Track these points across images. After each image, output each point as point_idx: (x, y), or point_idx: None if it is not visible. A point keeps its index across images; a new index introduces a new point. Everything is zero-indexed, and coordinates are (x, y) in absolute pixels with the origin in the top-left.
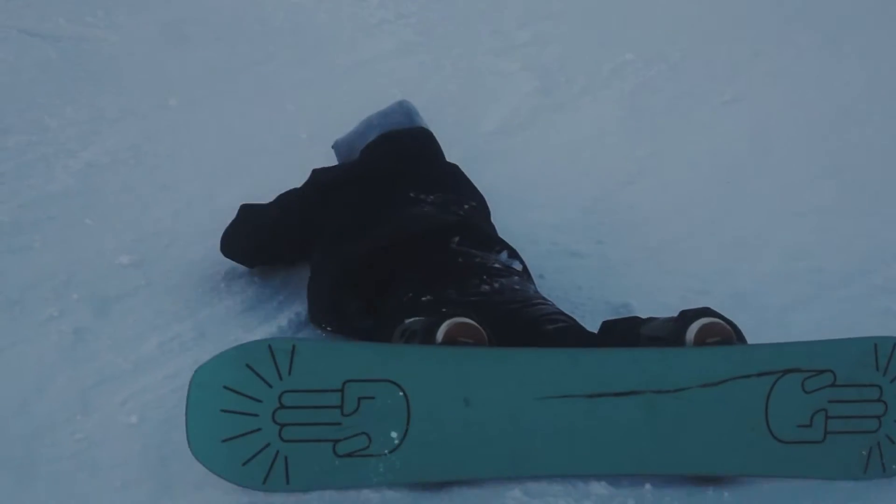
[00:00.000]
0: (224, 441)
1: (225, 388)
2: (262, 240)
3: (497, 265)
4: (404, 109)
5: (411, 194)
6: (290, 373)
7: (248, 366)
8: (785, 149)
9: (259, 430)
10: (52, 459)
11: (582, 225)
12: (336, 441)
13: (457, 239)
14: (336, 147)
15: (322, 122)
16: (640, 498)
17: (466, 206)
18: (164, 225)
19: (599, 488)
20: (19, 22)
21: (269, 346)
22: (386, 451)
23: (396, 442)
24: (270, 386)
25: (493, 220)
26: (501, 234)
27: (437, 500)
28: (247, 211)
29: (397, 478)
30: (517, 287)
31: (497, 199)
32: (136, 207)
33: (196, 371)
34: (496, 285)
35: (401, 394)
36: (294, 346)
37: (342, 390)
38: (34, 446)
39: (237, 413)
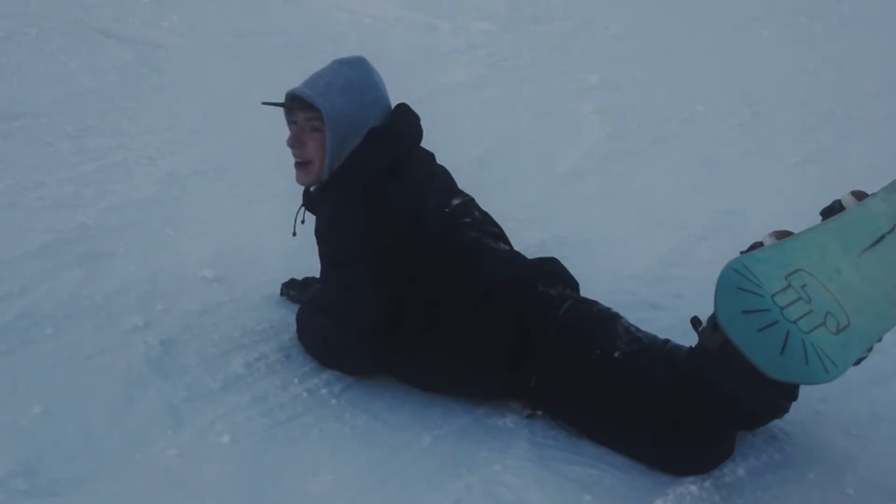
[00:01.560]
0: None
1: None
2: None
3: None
4: (376, 73)
5: (467, 220)
6: (759, 283)
7: (739, 288)
8: None
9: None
10: (146, 474)
11: (660, 277)
12: (822, 324)
13: (539, 285)
14: (333, 119)
15: None
16: None
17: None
18: (244, 241)
19: None
20: (96, 21)
21: (733, 269)
22: (849, 322)
23: (847, 313)
24: (762, 296)
25: (569, 265)
26: (579, 280)
27: None
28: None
29: (865, 344)
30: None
31: (573, 243)
32: (216, 221)
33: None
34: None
35: (812, 277)
36: (743, 263)
37: (789, 284)
38: (127, 460)
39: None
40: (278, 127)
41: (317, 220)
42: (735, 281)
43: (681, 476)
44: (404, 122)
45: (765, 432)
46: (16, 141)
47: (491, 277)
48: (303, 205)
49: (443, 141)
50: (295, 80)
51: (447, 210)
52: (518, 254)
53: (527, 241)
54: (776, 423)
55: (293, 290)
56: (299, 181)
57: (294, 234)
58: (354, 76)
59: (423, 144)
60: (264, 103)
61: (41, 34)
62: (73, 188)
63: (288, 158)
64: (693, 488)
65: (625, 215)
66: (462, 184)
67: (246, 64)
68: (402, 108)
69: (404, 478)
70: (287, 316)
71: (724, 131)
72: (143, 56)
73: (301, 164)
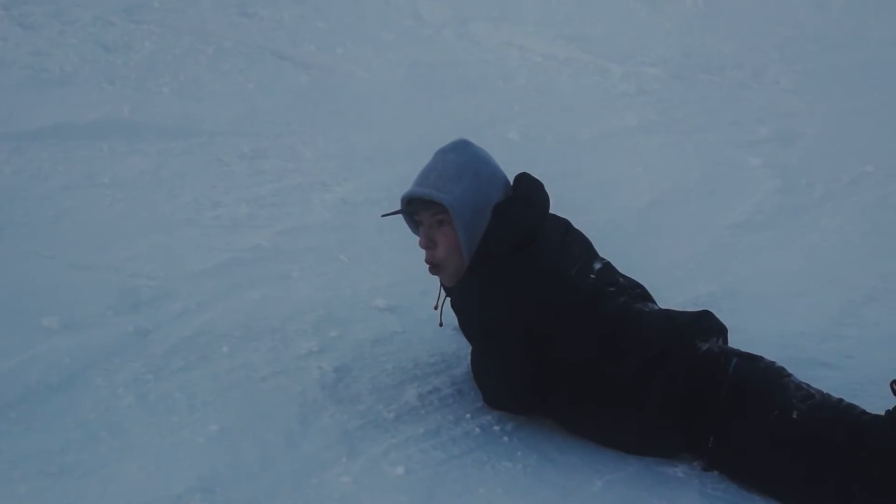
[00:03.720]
0: None
1: None
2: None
3: None
4: (481, 150)
5: (612, 288)
6: None
7: None
8: None
9: None
10: (321, 500)
11: (829, 335)
12: None
13: (696, 342)
14: (457, 209)
15: (569, 192)
16: None
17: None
18: (416, 273)
19: None
20: (272, 43)
21: None
22: None
23: None
24: None
25: (738, 318)
26: (749, 334)
27: None
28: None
29: None
30: None
31: (743, 296)
32: (389, 250)
33: None
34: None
35: None
36: None
37: None
38: (303, 484)
39: None
40: None
41: (454, 296)
42: None
43: None
44: (528, 191)
45: None
46: (193, 158)
47: (650, 344)
48: (447, 296)
49: (612, 185)
50: (467, 114)
51: (592, 277)
52: (671, 313)
53: (696, 291)
54: None
55: None
56: (446, 283)
57: (441, 324)
58: (461, 159)
59: (590, 188)
60: (384, 216)
61: (218, 53)
62: (248, 209)
63: None
64: None
65: (794, 271)
66: (630, 228)
67: (419, 95)
68: (524, 177)
69: None
70: (459, 350)
71: (893, 192)
72: (317, 81)
73: (436, 268)
